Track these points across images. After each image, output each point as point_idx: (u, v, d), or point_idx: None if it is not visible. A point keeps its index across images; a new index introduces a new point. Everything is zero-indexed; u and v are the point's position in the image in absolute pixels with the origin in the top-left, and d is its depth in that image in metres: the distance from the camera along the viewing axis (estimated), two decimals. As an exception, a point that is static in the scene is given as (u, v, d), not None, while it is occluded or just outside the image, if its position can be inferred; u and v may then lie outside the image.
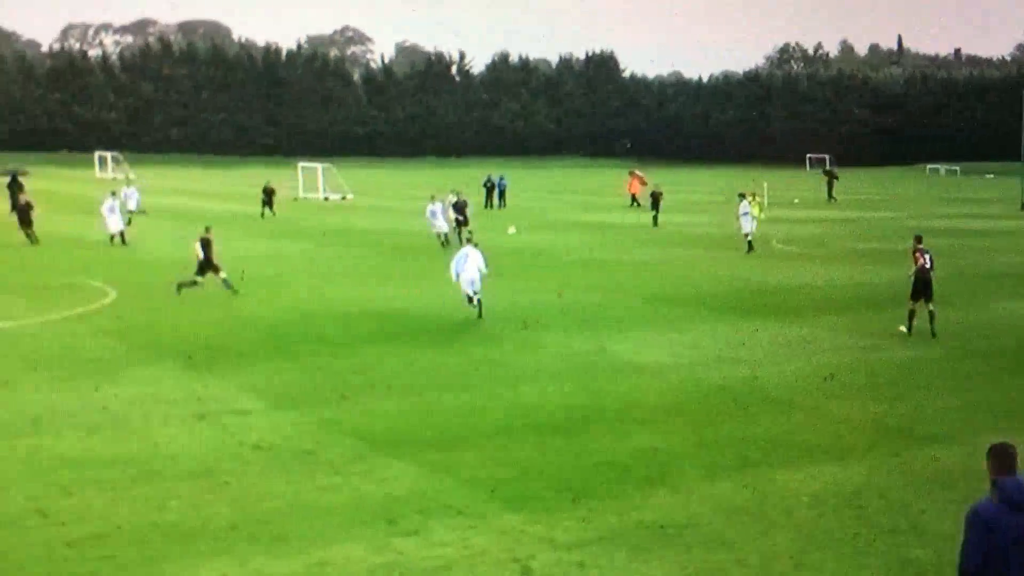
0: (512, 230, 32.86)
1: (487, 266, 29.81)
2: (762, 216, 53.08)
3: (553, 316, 29.47)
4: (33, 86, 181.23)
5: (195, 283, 32.50)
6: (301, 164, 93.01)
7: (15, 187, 64.95)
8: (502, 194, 77.82)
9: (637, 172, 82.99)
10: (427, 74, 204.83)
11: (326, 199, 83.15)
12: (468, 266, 29.46)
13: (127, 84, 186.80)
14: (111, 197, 49.69)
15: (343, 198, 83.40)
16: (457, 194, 51.82)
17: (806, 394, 20.81)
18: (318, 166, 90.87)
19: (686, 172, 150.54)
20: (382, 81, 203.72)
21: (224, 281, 32.83)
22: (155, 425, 18.06)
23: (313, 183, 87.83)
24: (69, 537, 12.99)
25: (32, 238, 47.38)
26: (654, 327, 28.05)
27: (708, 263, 42.53)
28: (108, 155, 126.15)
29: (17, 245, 47.16)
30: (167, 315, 29.11)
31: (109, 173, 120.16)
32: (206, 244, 33.17)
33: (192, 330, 26.87)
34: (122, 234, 48.08)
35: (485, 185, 77.69)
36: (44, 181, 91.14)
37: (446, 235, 48.75)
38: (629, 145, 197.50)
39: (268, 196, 65.76)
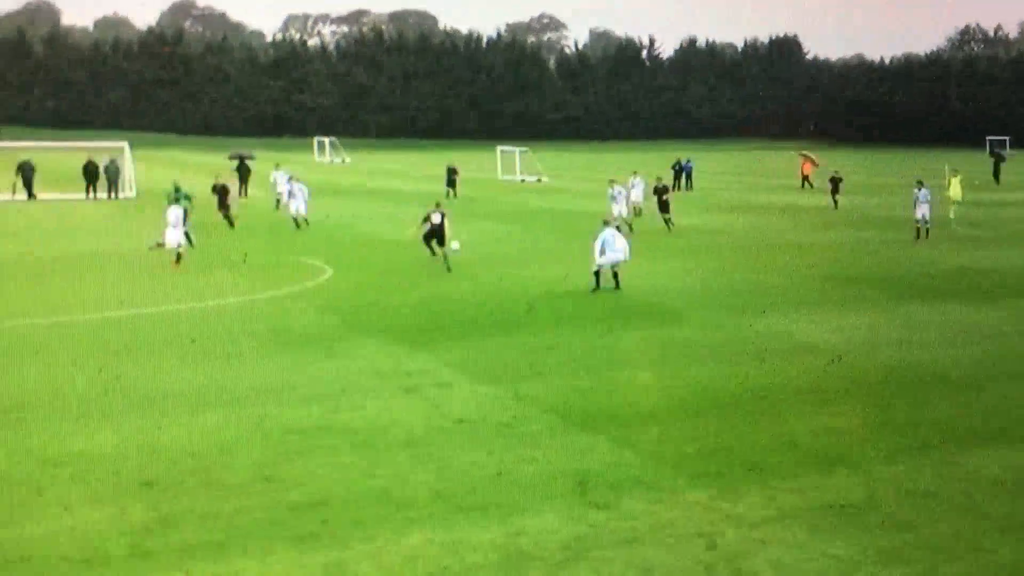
0: (455, 245, 31.72)
1: (629, 253, 30.07)
2: (959, 198, 51.61)
3: (733, 296, 29.20)
4: (258, 75, 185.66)
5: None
6: (500, 148, 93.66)
7: (243, 171, 66.88)
8: (689, 177, 77.23)
9: (808, 154, 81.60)
10: (618, 59, 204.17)
11: (522, 181, 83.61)
12: (616, 247, 29.55)
13: (342, 72, 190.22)
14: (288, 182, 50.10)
15: (539, 180, 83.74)
16: (658, 179, 50.05)
17: (988, 378, 20.19)
18: (515, 150, 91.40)
19: (867, 154, 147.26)
20: (576, 67, 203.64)
21: (445, 256, 34.00)
22: (367, 397, 18.42)
23: (511, 166, 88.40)
24: (290, 502, 13.33)
25: (230, 220, 46.72)
26: (832, 308, 27.55)
27: (886, 245, 41.59)
28: (326, 140, 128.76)
29: (245, 225, 48.49)
30: (378, 292, 29.66)
31: (327, 157, 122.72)
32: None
33: (400, 307, 27.33)
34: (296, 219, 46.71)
35: (673, 168, 77.12)
36: (268, 165, 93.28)
37: (626, 218, 48.37)
38: (813, 127, 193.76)
39: (451, 176, 66.23)
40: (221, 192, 48.23)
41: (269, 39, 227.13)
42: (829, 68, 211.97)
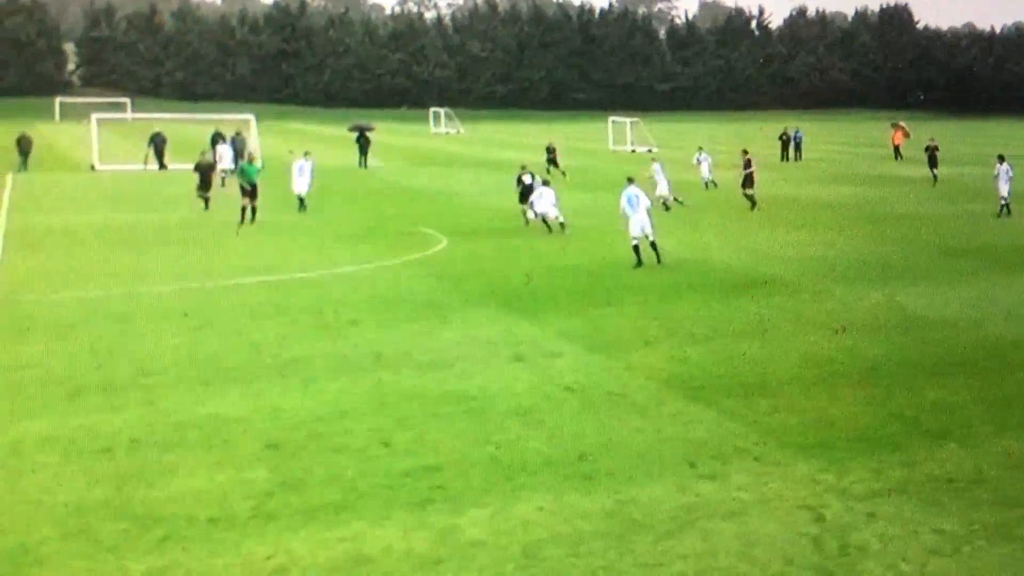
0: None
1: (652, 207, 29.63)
2: None
3: (842, 268, 28.76)
4: (377, 47, 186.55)
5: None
6: (611, 119, 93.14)
7: (363, 142, 67.38)
8: (798, 147, 76.08)
9: (901, 124, 79.99)
10: (728, 29, 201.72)
11: (633, 151, 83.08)
12: (639, 208, 28.88)
13: (458, 44, 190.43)
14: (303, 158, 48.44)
15: (649, 151, 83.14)
16: (743, 152, 48.52)
17: (1101, 353, 19.64)
18: (626, 120, 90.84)
19: (978, 124, 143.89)
20: (685, 37, 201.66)
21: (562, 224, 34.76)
22: (479, 365, 18.45)
23: (622, 137, 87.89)
24: (406, 467, 13.41)
25: (206, 201, 42.50)
26: (945, 281, 27.00)
27: (993, 217, 40.57)
28: (441, 111, 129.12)
29: (364, 195, 48.91)
30: (491, 262, 29.71)
31: (443, 128, 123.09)
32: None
33: (512, 276, 27.32)
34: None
35: (781, 138, 76.07)
36: (386, 136, 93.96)
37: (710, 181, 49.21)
38: (922, 97, 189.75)
39: (551, 155, 65.57)
40: (206, 170, 43.76)
41: (388, 12, 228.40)
42: (939, 37, 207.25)
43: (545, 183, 37.02)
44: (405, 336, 20.57)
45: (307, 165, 43.98)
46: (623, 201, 29.26)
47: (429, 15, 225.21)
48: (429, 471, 13.25)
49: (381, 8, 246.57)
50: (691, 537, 11.39)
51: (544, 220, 35.53)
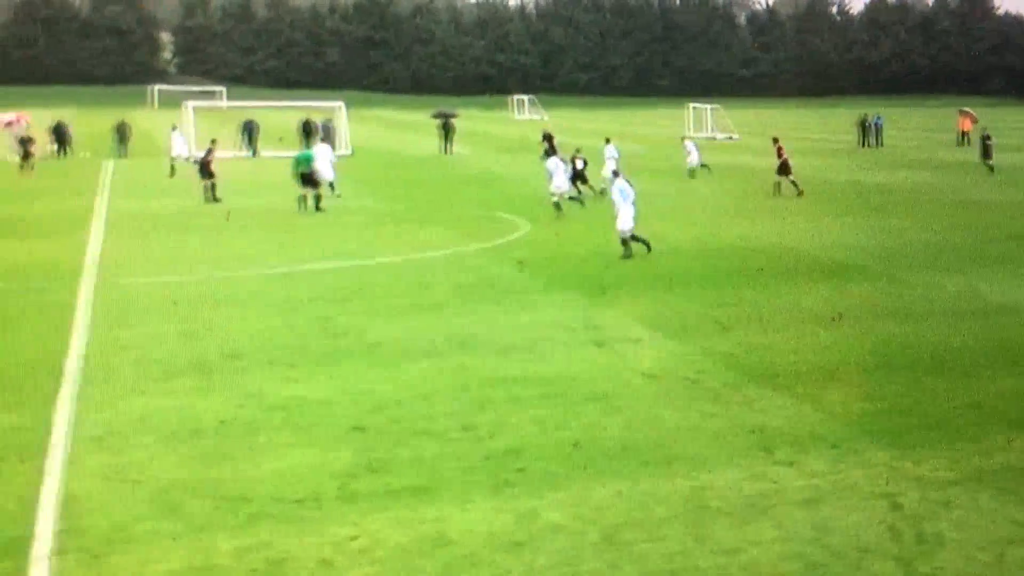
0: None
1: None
2: None
3: (919, 254, 28.32)
4: (462, 35, 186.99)
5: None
6: (691, 105, 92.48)
7: (448, 129, 67.54)
8: (878, 133, 75.01)
9: (968, 110, 78.70)
10: (808, 15, 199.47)
11: (713, 138, 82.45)
12: (629, 201, 27.99)
13: (541, 31, 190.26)
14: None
15: (729, 138, 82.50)
16: (774, 140, 46.77)
17: None
18: (706, 107, 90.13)
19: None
20: (766, 23, 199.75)
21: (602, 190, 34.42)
22: (559, 350, 18.41)
23: (702, 123, 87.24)
24: (486, 450, 13.41)
25: (213, 193, 41.10)
26: (1020, 267, 26.45)
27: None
28: (524, 98, 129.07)
29: (447, 181, 49.04)
30: (570, 248, 29.64)
31: (526, 115, 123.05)
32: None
33: (591, 262, 27.24)
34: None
35: (863, 124, 75.05)
36: (470, 122, 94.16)
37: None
38: (1003, 83, 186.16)
39: (549, 142, 63.19)
40: (205, 162, 41.86)
41: (473, 0, 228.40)
42: (1020, 23, 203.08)
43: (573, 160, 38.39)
44: (487, 320, 20.59)
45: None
46: (615, 194, 28.23)
47: (513, 2, 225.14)
48: (509, 454, 13.24)
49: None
50: (766, 524, 11.27)
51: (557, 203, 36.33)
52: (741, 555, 10.55)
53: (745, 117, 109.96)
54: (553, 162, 37.68)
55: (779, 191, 42.72)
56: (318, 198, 37.36)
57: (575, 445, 13.58)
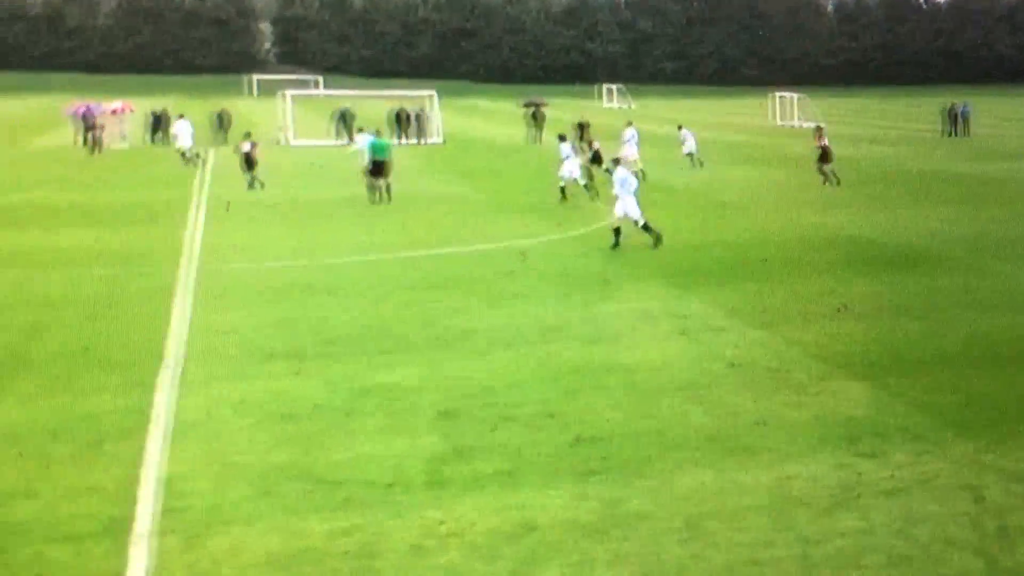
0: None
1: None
2: None
3: (1008, 246, 27.73)
4: (551, 24, 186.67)
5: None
6: (777, 94, 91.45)
7: (538, 117, 67.49)
8: (965, 122, 73.60)
9: None
10: (896, 3, 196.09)
11: (799, 127, 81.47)
12: (629, 191, 27.45)
13: (628, 20, 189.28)
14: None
15: (817, 127, 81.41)
16: (817, 128, 46.57)
17: None
18: (792, 95, 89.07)
19: None
20: (853, 11, 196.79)
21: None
22: (643, 339, 18.32)
23: (788, 112, 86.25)
24: (572, 438, 13.37)
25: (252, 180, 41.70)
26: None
27: None
28: (612, 87, 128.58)
29: (536, 170, 48.97)
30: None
31: (614, 103, 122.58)
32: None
33: (675, 251, 27.04)
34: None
35: (948, 113, 73.68)
36: (559, 111, 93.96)
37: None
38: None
39: (583, 132, 61.91)
40: (247, 154, 41.96)
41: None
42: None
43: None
44: (572, 309, 20.55)
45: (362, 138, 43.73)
46: (616, 184, 27.61)
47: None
48: (594, 442, 13.21)
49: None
50: (850, 515, 11.13)
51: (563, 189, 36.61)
52: (824, 546, 10.44)
53: (830, 105, 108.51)
54: (566, 148, 37.64)
55: (831, 180, 41.66)
56: (388, 187, 37.05)
57: (657, 433, 13.52)
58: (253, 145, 42.34)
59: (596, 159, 39.55)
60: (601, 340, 18.17)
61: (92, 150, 56.10)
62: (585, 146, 55.50)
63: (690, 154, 49.68)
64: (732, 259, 26.07)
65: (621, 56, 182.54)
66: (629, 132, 45.73)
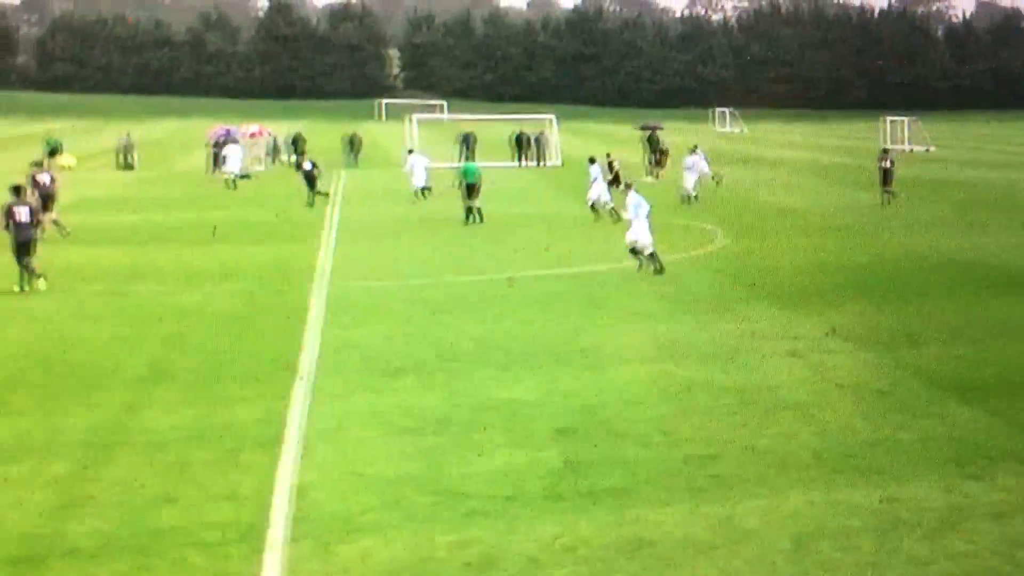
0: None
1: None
2: None
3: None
4: (666, 49, 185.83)
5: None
6: (887, 118, 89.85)
7: (653, 141, 67.16)
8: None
9: None
10: (1004, 28, 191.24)
11: (910, 151, 79.96)
12: (641, 216, 26.44)
13: (742, 45, 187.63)
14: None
15: (926, 151, 79.88)
16: (883, 152, 45.87)
17: None
18: (903, 119, 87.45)
19: None
20: (962, 36, 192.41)
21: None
22: (755, 359, 18.16)
23: (899, 136, 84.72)
24: (685, 455, 13.33)
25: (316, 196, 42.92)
26: None
27: None
28: (726, 111, 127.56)
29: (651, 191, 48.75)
30: (768, 258, 29.19)
31: (726, 127, 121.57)
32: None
33: (786, 273, 26.79)
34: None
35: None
36: (672, 135, 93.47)
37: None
38: None
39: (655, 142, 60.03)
40: (308, 173, 43.49)
41: (677, 15, 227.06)
42: None
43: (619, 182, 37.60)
44: (687, 329, 20.47)
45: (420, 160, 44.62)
46: (630, 208, 26.82)
47: (716, 16, 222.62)
48: (706, 460, 13.15)
49: (671, 11, 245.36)
50: (956, 538, 10.92)
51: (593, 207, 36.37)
52: (931, 568, 10.27)
53: (941, 129, 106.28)
54: (595, 170, 37.05)
55: (890, 200, 42.05)
56: (479, 210, 36.61)
57: (768, 452, 13.42)
58: (314, 165, 43.60)
59: (615, 181, 39.07)
60: (714, 359, 18.07)
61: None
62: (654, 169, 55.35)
63: (710, 174, 47.03)
64: (843, 281, 25.72)
65: (733, 80, 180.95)
66: (691, 159, 44.32)
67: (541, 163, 64.52)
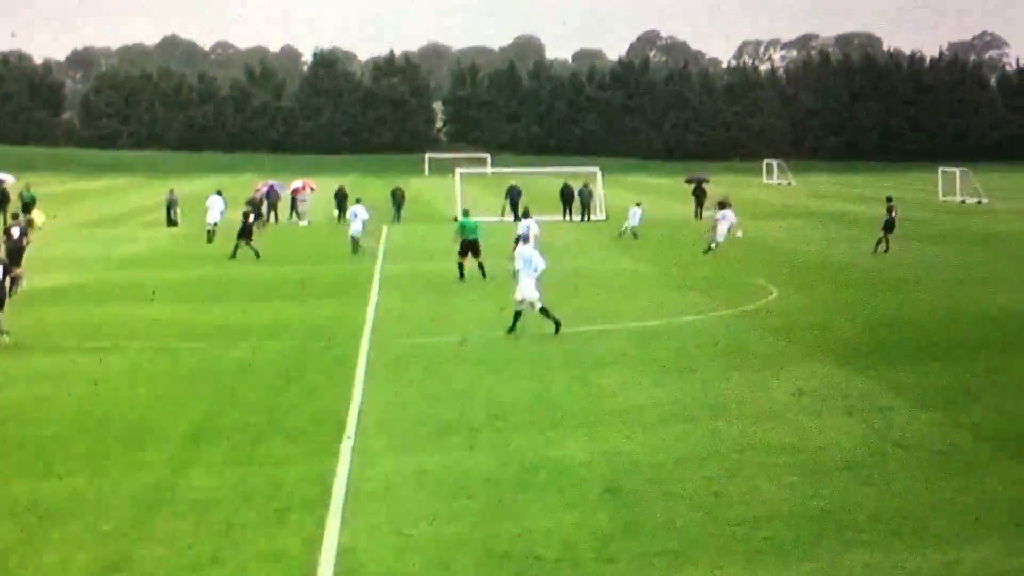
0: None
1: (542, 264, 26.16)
2: None
3: None
4: (714, 100, 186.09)
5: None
6: (941, 169, 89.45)
7: (699, 193, 67.24)
8: None
9: None
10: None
11: (963, 202, 79.49)
12: (530, 272, 25.46)
13: (791, 95, 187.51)
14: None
15: (978, 202, 79.37)
16: (888, 200, 47.22)
17: None
18: (956, 170, 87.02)
19: None
20: (1017, 85, 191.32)
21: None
22: (809, 417, 18.05)
23: (951, 187, 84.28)
24: (737, 516, 13.23)
25: (252, 249, 43.74)
26: None
27: None
28: (774, 162, 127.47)
29: (699, 244, 48.83)
30: (821, 314, 29.05)
31: (774, 179, 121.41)
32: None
33: (841, 329, 26.64)
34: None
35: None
36: (720, 187, 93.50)
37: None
38: None
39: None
40: (246, 216, 45.13)
41: (724, 65, 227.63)
42: None
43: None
44: (739, 386, 20.39)
45: (360, 210, 46.37)
46: (518, 262, 26.00)
47: (764, 67, 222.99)
48: (759, 522, 13.04)
49: (718, 62, 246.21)
50: (1020, 603, 10.78)
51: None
52: (994, 635, 10.13)
53: (995, 180, 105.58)
54: (524, 225, 36.23)
55: (884, 247, 43.52)
56: (481, 266, 35.92)
57: (823, 513, 13.30)
58: (247, 214, 45.09)
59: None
60: (768, 418, 17.97)
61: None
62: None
63: (632, 228, 51.13)
64: (898, 337, 25.55)
65: (782, 131, 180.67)
66: (721, 213, 44.76)
67: (585, 217, 64.57)
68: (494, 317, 28.64)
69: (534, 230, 34.70)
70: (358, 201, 49.03)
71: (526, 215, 40.21)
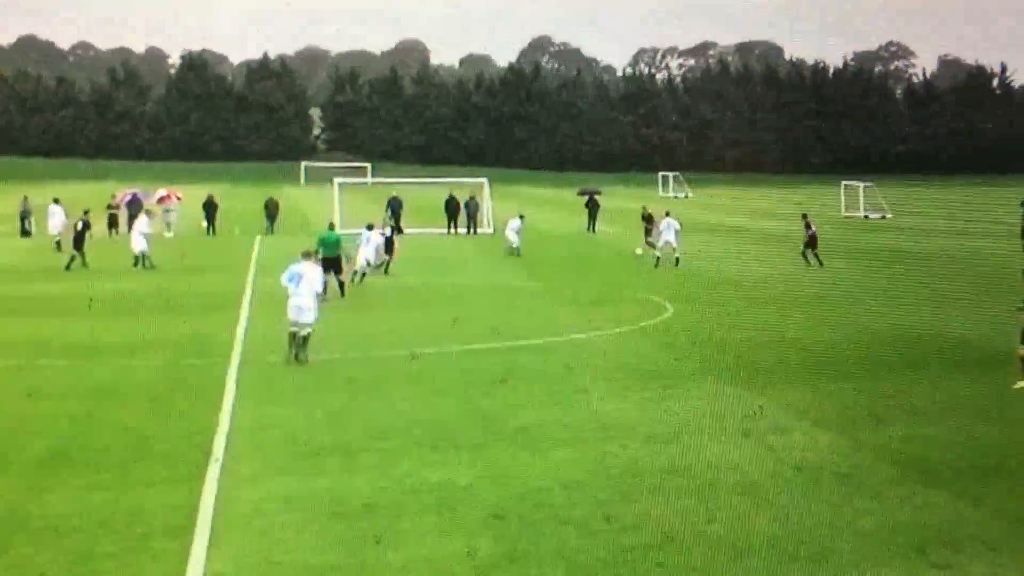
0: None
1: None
2: None
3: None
4: (608, 110, 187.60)
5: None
6: (844, 183, 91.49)
7: (592, 206, 67.91)
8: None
9: None
10: (968, 88, 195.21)
11: (866, 217, 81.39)
12: (302, 290, 25.07)
13: (689, 106, 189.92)
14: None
15: (882, 217, 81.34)
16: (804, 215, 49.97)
17: None
18: (859, 184, 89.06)
19: None
20: (923, 96, 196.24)
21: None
22: (705, 438, 18.31)
23: (854, 202, 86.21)
24: (629, 542, 13.37)
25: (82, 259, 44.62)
26: None
27: None
28: (670, 175, 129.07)
29: (591, 260, 49.20)
30: (717, 331, 29.46)
31: (671, 192, 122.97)
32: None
33: (739, 348, 27.01)
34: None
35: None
36: (615, 200, 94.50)
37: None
38: None
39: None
40: (78, 229, 45.80)
41: (620, 73, 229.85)
42: None
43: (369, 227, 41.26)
44: (631, 406, 20.60)
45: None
46: (284, 278, 25.33)
47: (660, 76, 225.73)
48: (652, 548, 13.18)
49: (613, 69, 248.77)
50: (920, 629, 11.05)
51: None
52: (894, 661, 10.36)
53: (899, 195, 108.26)
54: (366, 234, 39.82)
55: (807, 262, 45.97)
56: (340, 284, 35.82)
57: (719, 539, 13.49)
58: (86, 225, 45.66)
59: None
60: (661, 439, 18.19)
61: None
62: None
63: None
64: (799, 356, 26.02)
65: (680, 142, 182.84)
66: (666, 222, 46.77)
67: (471, 230, 64.69)
68: (372, 335, 28.58)
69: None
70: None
71: (369, 227, 41.66)
